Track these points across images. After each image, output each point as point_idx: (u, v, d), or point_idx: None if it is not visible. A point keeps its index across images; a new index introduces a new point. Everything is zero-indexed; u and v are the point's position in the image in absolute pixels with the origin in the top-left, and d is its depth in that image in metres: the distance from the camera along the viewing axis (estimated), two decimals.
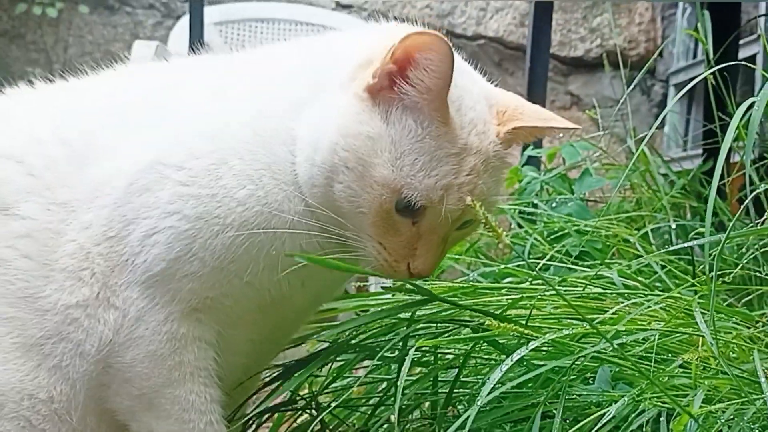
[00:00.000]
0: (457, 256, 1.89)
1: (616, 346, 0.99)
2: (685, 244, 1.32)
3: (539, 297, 1.20)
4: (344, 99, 1.10)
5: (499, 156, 1.13)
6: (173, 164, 1.12)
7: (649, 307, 1.21)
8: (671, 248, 1.42)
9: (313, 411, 1.29)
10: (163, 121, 1.17)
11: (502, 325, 0.90)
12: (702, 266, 1.60)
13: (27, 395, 1.13)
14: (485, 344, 1.23)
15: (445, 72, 1.05)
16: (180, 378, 1.14)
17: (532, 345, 0.95)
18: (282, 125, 1.14)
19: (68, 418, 1.14)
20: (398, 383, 0.98)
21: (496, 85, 1.21)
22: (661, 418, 1.05)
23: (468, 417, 0.93)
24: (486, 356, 1.26)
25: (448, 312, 1.22)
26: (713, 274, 0.98)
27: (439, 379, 1.27)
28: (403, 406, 1.20)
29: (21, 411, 1.12)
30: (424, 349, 1.28)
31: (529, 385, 1.16)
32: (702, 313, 1.20)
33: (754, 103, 1.08)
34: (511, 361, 0.93)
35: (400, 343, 1.21)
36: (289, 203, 1.12)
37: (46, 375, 1.13)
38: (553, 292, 1.36)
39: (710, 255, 1.51)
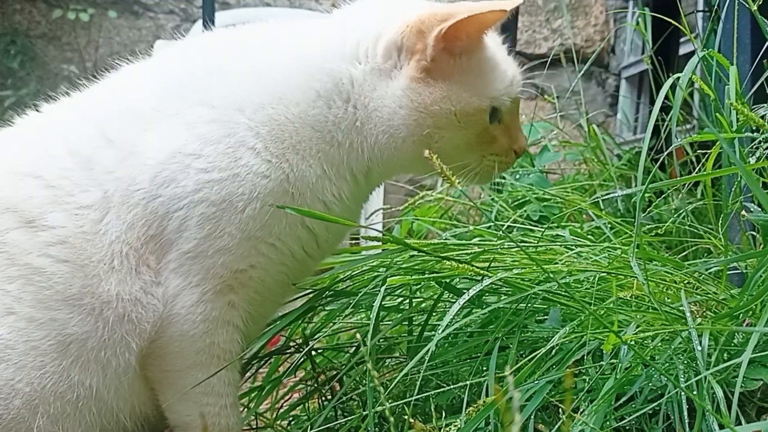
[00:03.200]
0: (433, 220, 1.89)
1: (562, 284, 0.99)
2: (611, 195, 1.33)
3: (500, 251, 1.20)
4: (401, 83, 1.10)
5: None
6: (191, 153, 1.06)
7: (592, 257, 1.22)
8: (607, 196, 1.41)
9: (300, 352, 1.28)
10: (176, 111, 1.09)
11: (460, 265, 0.90)
12: (644, 226, 1.61)
13: (59, 396, 1.04)
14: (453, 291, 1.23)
15: (480, 30, 1.11)
16: (206, 361, 1.09)
17: (486, 282, 0.95)
18: (307, 113, 1.10)
19: (87, 414, 1.06)
20: (371, 316, 0.98)
21: None
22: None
23: (430, 349, 0.93)
24: (454, 301, 1.27)
25: (421, 264, 1.22)
26: (636, 218, 0.97)
27: (414, 323, 1.27)
28: (382, 346, 1.21)
29: (51, 411, 1.04)
30: (401, 296, 1.28)
31: (491, 326, 1.16)
32: (638, 260, 1.22)
33: (678, 78, 1.08)
34: (468, 296, 0.93)
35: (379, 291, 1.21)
36: (316, 167, 1.09)
37: (78, 372, 1.05)
38: (514, 246, 1.38)
39: (647, 214, 1.52)
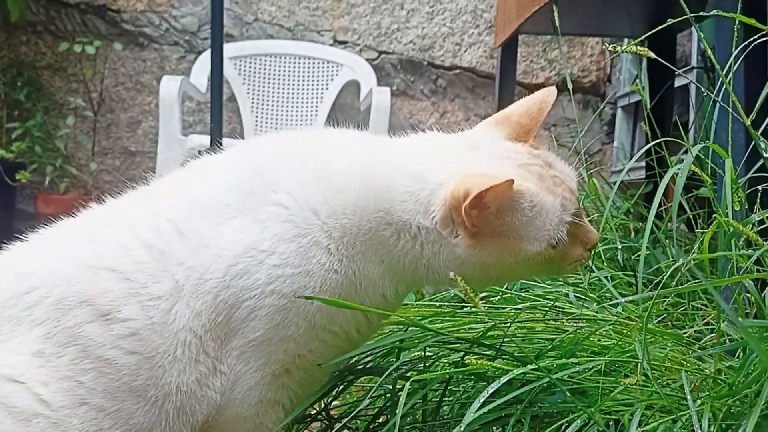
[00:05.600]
0: None
1: (564, 378, 1.06)
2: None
3: (508, 324, 1.27)
4: (461, 249, 1.11)
5: None
6: (264, 249, 1.10)
7: (599, 326, 1.29)
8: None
9: (325, 421, 1.34)
10: (249, 209, 1.13)
11: (479, 362, 0.97)
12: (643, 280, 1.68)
13: None
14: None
15: (502, 196, 1.09)
16: None
17: (505, 378, 1.02)
18: (377, 233, 1.13)
19: None
20: (396, 411, 1.04)
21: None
22: (610, 422, 1.13)
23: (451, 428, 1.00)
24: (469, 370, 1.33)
25: (436, 337, 1.28)
26: (645, 321, 1.04)
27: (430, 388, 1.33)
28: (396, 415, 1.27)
29: None
30: (415, 360, 1.35)
31: (502, 396, 1.22)
32: (650, 331, 1.29)
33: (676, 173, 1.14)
34: (488, 393, 1.00)
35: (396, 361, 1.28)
36: (380, 271, 1.14)
37: None
38: (522, 312, 1.45)
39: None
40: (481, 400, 0.98)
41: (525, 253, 1.12)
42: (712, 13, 1.24)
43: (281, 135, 1.27)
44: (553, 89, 1.23)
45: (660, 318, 1.61)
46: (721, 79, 1.21)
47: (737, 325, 0.80)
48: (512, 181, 1.08)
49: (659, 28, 1.27)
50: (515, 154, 1.17)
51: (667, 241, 2.01)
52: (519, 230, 1.11)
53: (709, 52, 1.19)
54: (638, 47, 1.05)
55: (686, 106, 3.62)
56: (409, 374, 1.30)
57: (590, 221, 2.22)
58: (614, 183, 4.03)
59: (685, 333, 1.34)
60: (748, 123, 0.98)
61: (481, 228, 1.11)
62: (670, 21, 1.24)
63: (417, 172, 1.14)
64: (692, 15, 1.11)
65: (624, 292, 1.83)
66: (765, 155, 1.00)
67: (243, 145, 1.27)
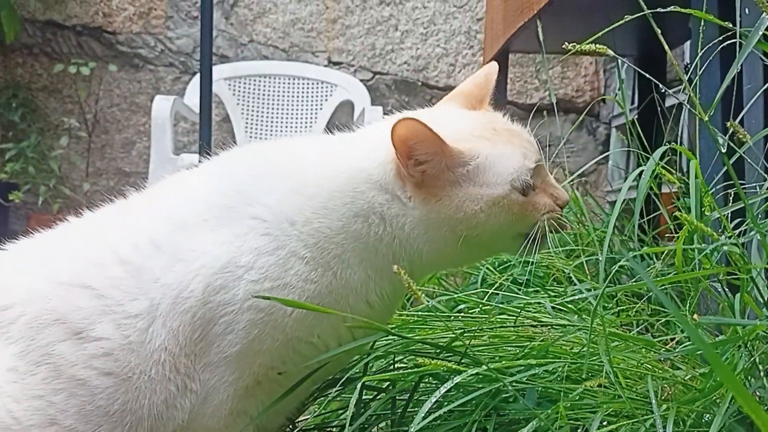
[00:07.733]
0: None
1: (524, 381, 1.03)
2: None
3: (476, 332, 1.25)
4: (419, 207, 1.12)
5: None
6: (243, 264, 1.09)
7: (567, 332, 1.27)
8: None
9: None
10: (226, 223, 1.11)
11: (433, 362, 0.95)
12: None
13: None
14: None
15: (422, 138, 1.10)
16: None
17: (457, 379, 1.00)
18: (349, 228, 1.13)
19: None
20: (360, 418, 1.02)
21: None
22: (578, 429, 1.11)
23: None
24: (435, 378, 1.30)
25: (402, 343, 1.26)
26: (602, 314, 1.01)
27: (397, 398, 1.31)
28: (365, 426, 1.24)
29: None
30: (382, 374, 1.32)
31: (469, 406, 1.20)
32: (617, 336, 1.27)
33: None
34: (440, 393, 0.98)
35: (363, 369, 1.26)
36: (360, 272, 1.12)
37: None
38: (493, 320, 1.42)
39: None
40: (433, 401, 0.96)
41: (488, 198, 1.12)
42: (686, 10, 1.23)
43: (255, 147, 1.27)
44: (494, 64, 1.28)
45: (641, 327, 1.59)
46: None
47: (687, 327, 0.78)
48: (414, 119, 1.09)
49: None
50: (471, 115, 1.22)
51: (639, 246, 1.99)
52: (476, 178, 1.12)
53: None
54: (597, 46, 1.03)
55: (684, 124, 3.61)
56: (376, 383, 1.28)
57: (576, 235, 2.21)
58: (609, 202, 4.01)
59: (665, 342, 1.31)
60: (706, 119, 0.96)
61: (429, 178, 1.11)
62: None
63: (374, 147, 1.16)
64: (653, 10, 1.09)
65: (606, 304, 1.81)
66: (723, 151, 0.98)
67: (219, 159, 1.25)
